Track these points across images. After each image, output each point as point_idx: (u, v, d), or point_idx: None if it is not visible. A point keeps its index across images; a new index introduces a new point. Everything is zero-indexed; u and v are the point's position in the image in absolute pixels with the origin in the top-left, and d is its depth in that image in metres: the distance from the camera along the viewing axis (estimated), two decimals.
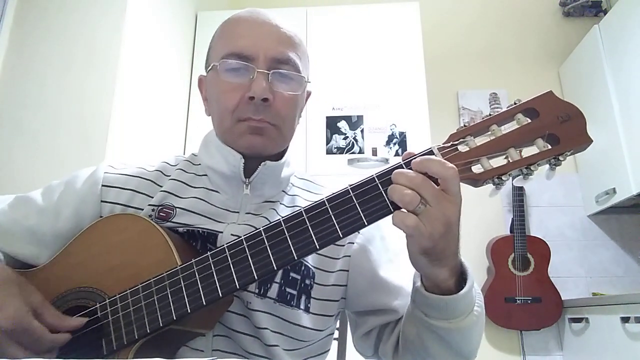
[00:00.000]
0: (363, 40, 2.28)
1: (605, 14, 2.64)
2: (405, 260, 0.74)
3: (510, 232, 2.52)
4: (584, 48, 2.65)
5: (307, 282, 0.73)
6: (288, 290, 0.71)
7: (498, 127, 0.58)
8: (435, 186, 0.55)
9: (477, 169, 0.58)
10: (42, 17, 1.60)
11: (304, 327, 0.72)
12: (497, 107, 2.87)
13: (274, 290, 0.70)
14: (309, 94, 0.85)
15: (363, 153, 2.12)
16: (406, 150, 2.08)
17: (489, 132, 0.59)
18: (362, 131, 2.16)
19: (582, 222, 2.65)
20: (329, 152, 2.14)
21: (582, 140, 0.57)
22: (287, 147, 0.82)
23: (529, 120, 0.58)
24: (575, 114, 0.58)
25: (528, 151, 0.58)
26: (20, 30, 1.58)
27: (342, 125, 2.17)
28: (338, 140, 2.15)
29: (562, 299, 2.36)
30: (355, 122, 2.17)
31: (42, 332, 0.60)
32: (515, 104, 0.59)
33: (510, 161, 0.57)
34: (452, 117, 2.88)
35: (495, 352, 2.50)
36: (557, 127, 0.57)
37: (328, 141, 2.15)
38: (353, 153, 2.13)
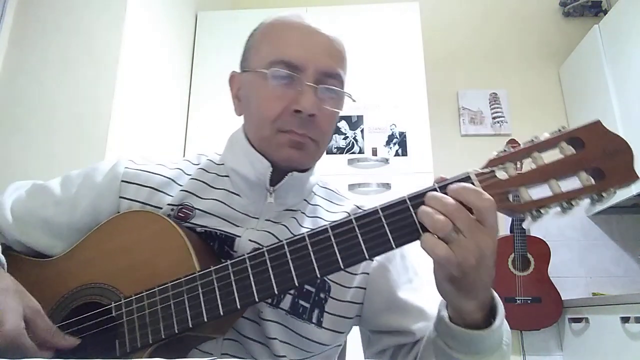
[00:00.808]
0: (363, 40, 2.28)
1: (605, 14, 2.64)
2: (425, 280, 0.73)
3: (510, 232, 2.52)
4: (584, 48, 2.65)
5: (322, 295, 0.71)
6: (301, 302, 0.70)
7: (539, 155, 0.55)
8: (470, 215, 0.52)
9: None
10: (42, 17, 1.60)
11: (313, 341, 0.71)
12: (497, 107, 2.87)
13: (286, 301, 0.69)
14: None
15: (363, 153, 2.12)
16: (406, 150, 2.10)
17: (530, 160, 0.55)
18: (362, 131, 2.16)
19: (582, 222, 2.65)
20: (329, 152, 2.13)
21: (628, 177, 0.53)
22: None
23: (574, 151, 0.55)
24: (623, 148, 0.54)
25: (569, 183, 0.55)
26: (20, 30, 1.58)
27: (342, 125, 2.17)
28: (338, 140, 2.15)
29: (562, 299, 2.36)
30: (355, 122, 2.17)
31: (33, 352, 0.59)
32: (559, 131, 0.56)
33: (552, 194, 0.54)
34: (452, 117, 2.88)
35: None
36: (602, 161, 0.54)
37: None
38: (353, 153, 2.13)
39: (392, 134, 2.13)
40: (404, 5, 2.34)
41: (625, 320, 1.87)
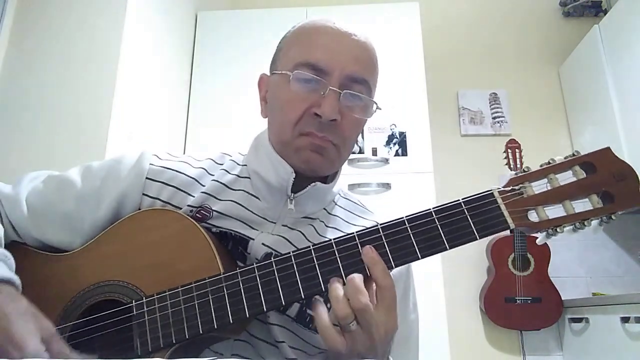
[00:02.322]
0: None
1: (605, 14, 2.64)
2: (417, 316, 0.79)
3: (510, 232, 2.52)
4: (584, 48, 2.65)
5: (328, 305, 0.70)
6: (309, 311, 0.69)
7: (555, 176, 0.60)
8: (373, 311, 0.55)
9: (533, 216, 0.60)
10: (42, 17, 1.60)
11: (321, 349, 0.70)
12: (497, 107, 2.87)
13: (294, 309, 0.68)
14: None
15: (363, 153, 2.12)
16: (406, 150, 2.10)
17: (546, 181, 0.60)
18: (362, 131, 2.16)
19: None
20: None
21: (635, 202, 0.59)
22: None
23: (585, 175, 0.60)
24: (630, 174, 0.59)
25: (580, 205, 0.60)
26: (20, 29, 1.58)
27: None
28: None
29: (562, 299, 2.36)
30: None
31: None
32: (574, 155, 0.61)
33: (565, 214, 0.59)
34: (452, 117, 2.88)
35: (495, 352, 2.50)
36: (612, 185, 0.59)
37: None
38: (353, 153, 2.13)
39: (392, 134, 2.13)
40: (404, 5, 2.34)
41: (625, 320, 1.87)
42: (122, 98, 1.58)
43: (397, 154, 2.11)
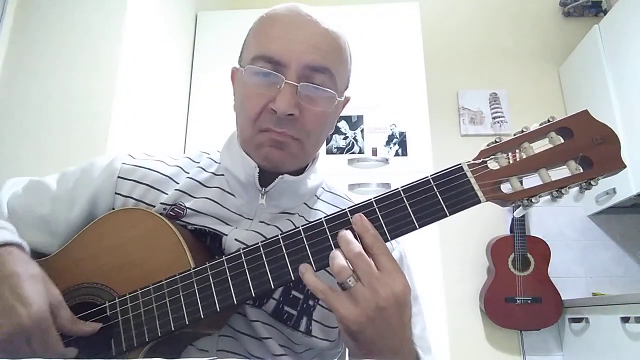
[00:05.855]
0: (363, 40, 2.28)
1: (605, 14, 2.64)
2: (419, 309, 0.74)
3: (510, 232, 2.52)
4: (584, 48, 2.65)
5: (311, 302, 0.68)
6: (286, 309, 0.67)
7: (529, 145, 0.56)
8: (372, 265, 0.52)
9: (506, 188, 0.56)
10: (42, 17, 1.60)
11: (307, 347, 0.69)
12: (497, 107, 2.87)
13: (269, 305, 0.67)
14: (347, 99, 0.77)
15: (363, 153, 2.12)
16: (406, 150, 2.10)
17: (520, 150, 0.56)
18: (362, 131, 2.16)
19: (582, 222, 2.65)
20: (329, 152, 2.13)
21: (616, 166, 0.55)
22: (314, 160, 0.77)
23: (562, 140, 0.56)
24: (610, 137, 0.55)
25: (558, 172, 0.56)
26: (20, 30, 1.58)
27: (342, 125, 2.17)
28: (338, 140, 2.15)
29: (562, 299, 2.36)
30: (355, 122, 2.17)
31: (55, 343, 0.57)
32: (549, 121, 0.57)
33: (542, 183, 0.55)
34: (452, 117, 2.88)
35: (495, 352, 2.50)
36: (590, 150, 0.55)
37: (328, 141, 2.15)
38: (353, 153, 2.13)
39: (392, 134, 2.13)
40: (404, 5, 2.33)
41: (625, 320, 1.87)
42: (121, 98, 1.58)
43: (397, 154, 2.10)
